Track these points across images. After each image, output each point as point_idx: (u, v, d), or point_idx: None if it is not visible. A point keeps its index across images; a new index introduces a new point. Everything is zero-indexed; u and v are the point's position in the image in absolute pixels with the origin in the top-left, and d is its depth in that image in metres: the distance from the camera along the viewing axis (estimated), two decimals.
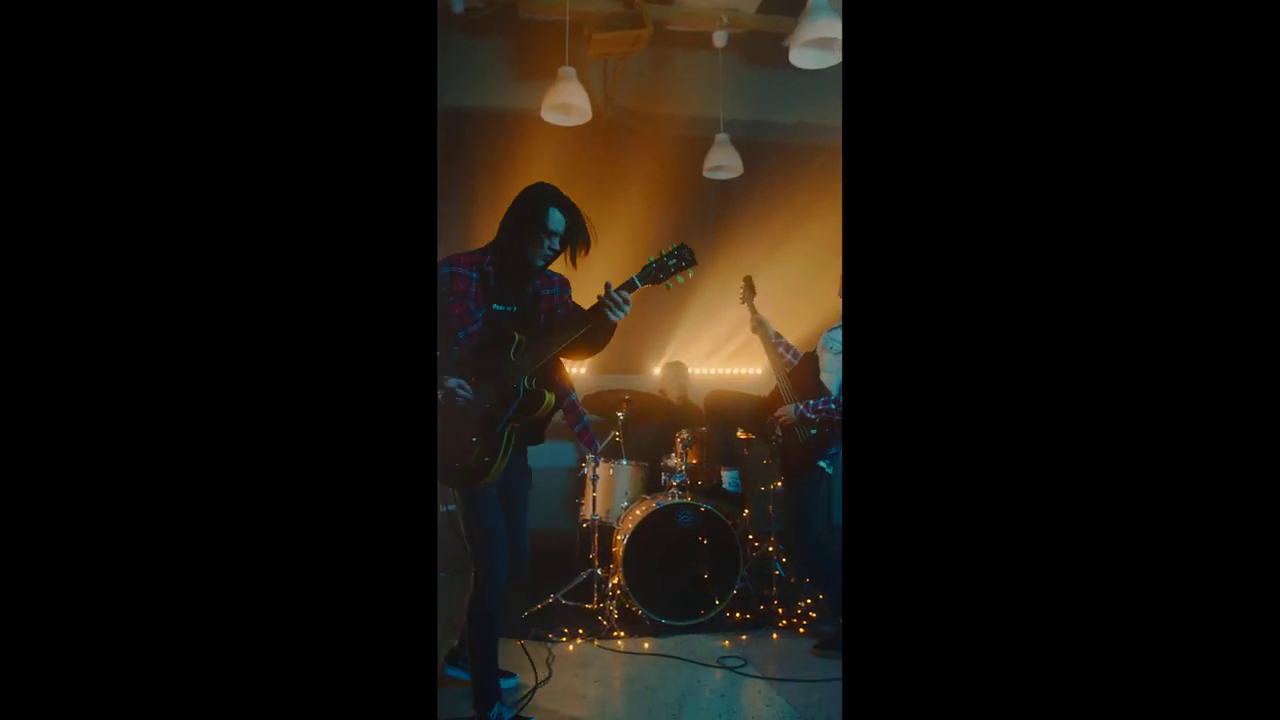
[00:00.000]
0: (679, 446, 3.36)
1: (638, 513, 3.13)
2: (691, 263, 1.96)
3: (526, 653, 2.50)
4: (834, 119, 4.33)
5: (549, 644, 2.79)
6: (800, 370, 2.90)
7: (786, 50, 3.36)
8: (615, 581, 3.13)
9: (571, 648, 2.80)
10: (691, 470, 3.34)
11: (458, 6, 3.67)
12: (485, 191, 4.18)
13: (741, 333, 3.49)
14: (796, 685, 2.42)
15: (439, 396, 1.90)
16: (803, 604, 3.26)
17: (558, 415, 2.10)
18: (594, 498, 3.33)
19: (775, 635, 2.98)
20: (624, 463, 3.47)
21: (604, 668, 2.61)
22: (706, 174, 4.15)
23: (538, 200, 2.00)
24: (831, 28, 3.06)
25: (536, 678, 2.37)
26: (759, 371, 4.75)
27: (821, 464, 2.77)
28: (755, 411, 2.99)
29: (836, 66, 3.30)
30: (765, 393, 3.01)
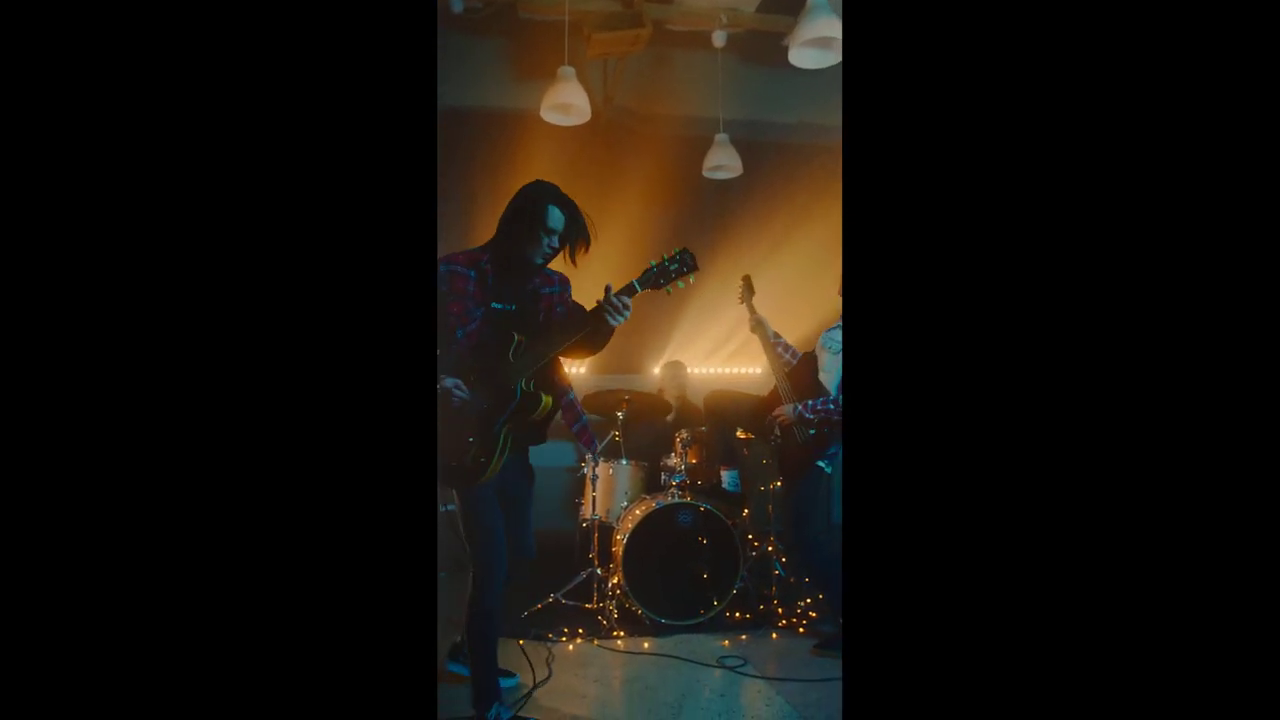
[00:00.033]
0: (678, 446, 3.36)
1: (637, 512, 3.13)
2: (693, 268, 1.93)
3: (525, 653, 2.50)
4: (833, 119, 4.34)
5: (549, 643, 2.79)
6: (799, 370, 2.90)
7: (786, 50, 3.36)
8: (615, 581, 3.13)
9: (571, 647, 2.80)
10: (691, 470, 3.34)
11: (457, 6, 3.67)
12: (484, 191, 4.18)
13: (741, 332, 3.50)
14: (796, 685, 2.42)
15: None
16: (802, 604, 3.26)
17: (557, 415, 2.10)
18: (594, 497, 3.33)
19: (775, 635, 2.98)
20: (624, 462, 3.47)
21: (604, 667, 2.61)
22: (706, 174, 4.15)
23: (537, 198, 1.99)
24: (830, 27, 3.06)
25: (534, 678, 2.37)
26: (758, 371, 4.75)
27: (820, 464, 2.77)
28: (755, 411, 2.99)
29: (836, 66, 3.30)
30: (765, 392, 3.01)
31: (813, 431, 2.75)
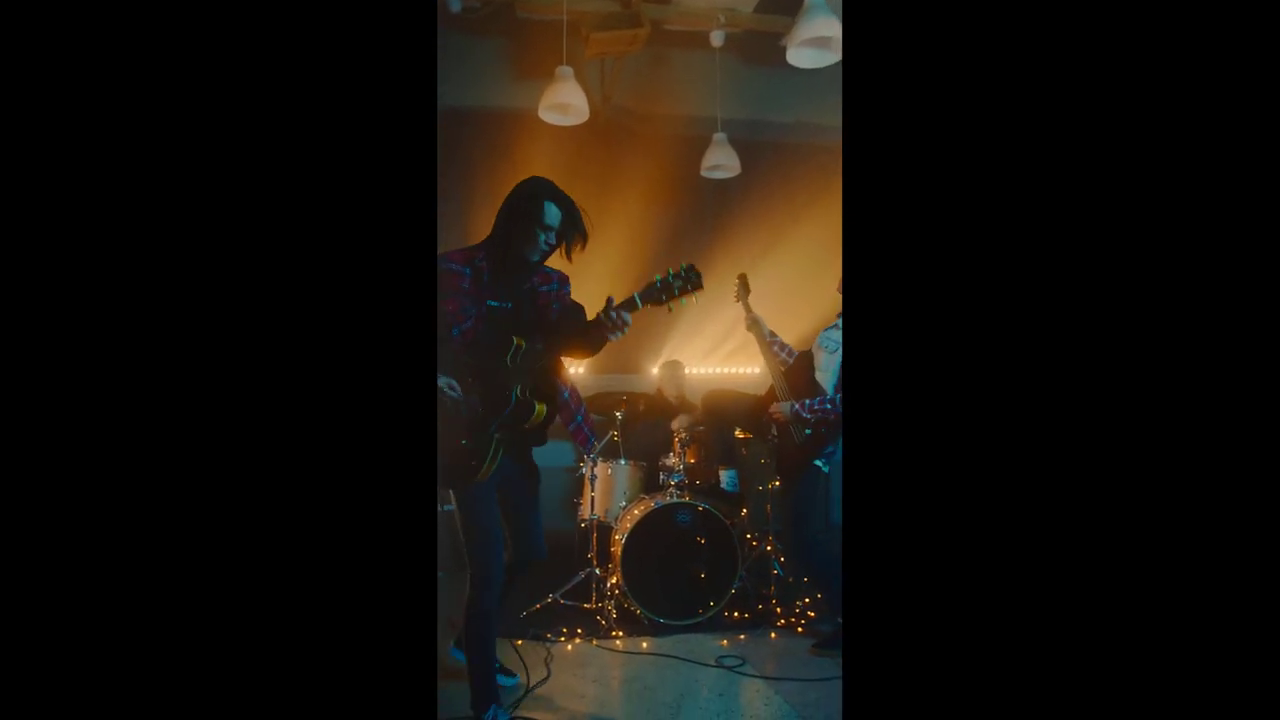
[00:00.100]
0: (677, 446, 3.36)
1: (636, 512, 3.13)
2: (698, 286, 1.89)
3: (519, 654, 2.50)
4: (831, 118, 4.35)
5: (547, 644, 2.79)
6: (795, 369, 2.90)
7: (784, 49, 3.36)
8: (613, 581, 3.13)
9: (570, 647, 2.79)
10: (689, 470, 3.34)
11: (455, 6, 3.66)
12: (483, 191, 4.16)
13: (739, 332, 3.50)
14: (794, 684, 2.42)
15: None
16: (801, 603, 3.26)
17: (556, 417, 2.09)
18: (592, 497, 3.33)
19: (773, 634, 2.98)
20: (622, 462, 3.47)
21: (602, 667, 2.61)
22: (704, 173, 4.15)
23: (533, 194, 1.97)
24: (828, 27, 3.06)
25: (528, 679, 2.37)
26: (757, 370, 4.75)
27: (817, 463, 2.77)
28: (753, 410, 2.99)
29: (834, 65, 3.30)
30: (763, 392, 3.01)
31: (809, 431, 2.75)
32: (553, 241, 1.99)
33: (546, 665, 2.55)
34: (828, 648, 2.72)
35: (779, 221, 4.64)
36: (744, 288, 3.08)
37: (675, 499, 3.13)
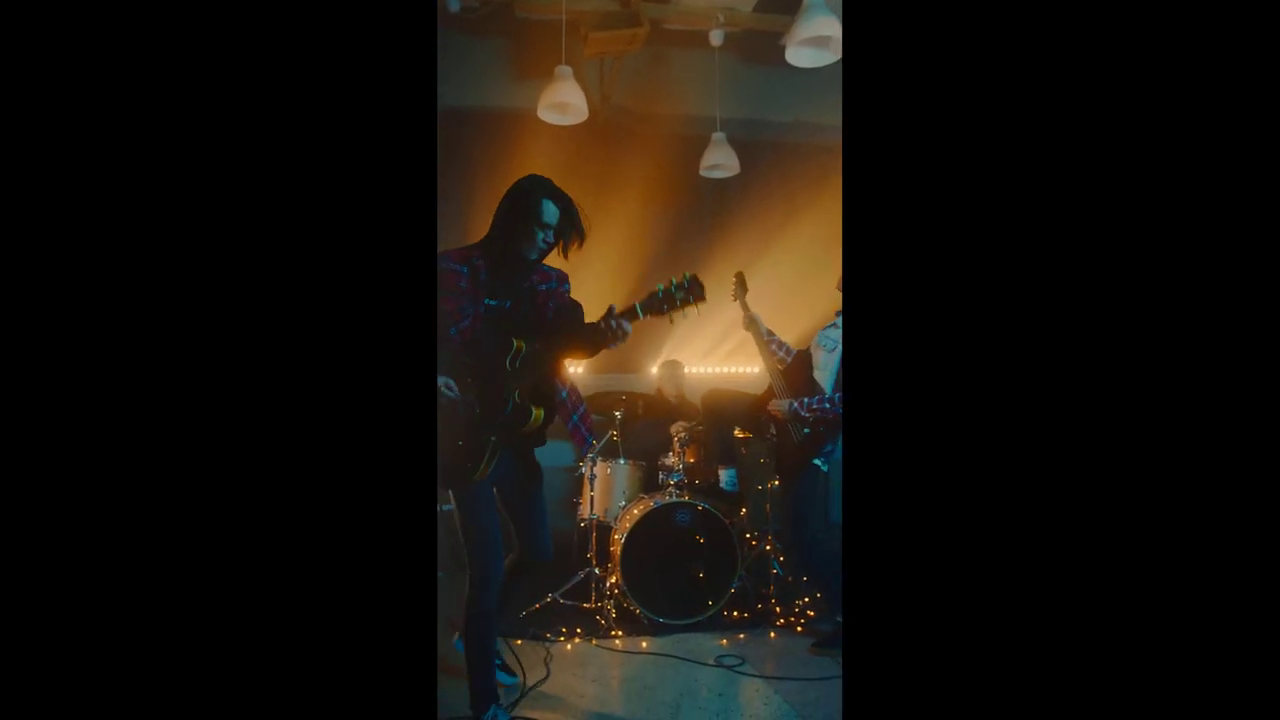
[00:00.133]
0: (676, 445, 3.36)
1: (635, 512, 3.13)
2: (700, 297, 1.89)
3: (515, 655, 2.50)
4: (830, 117, 4.35)
5: (546, 643, 2.79)
6: (793, 368, 2.90)
7: (783, 49, 3.36)
8: (613, 580, 3.13)
9: (569, 647, 2.79)
10: (689, 469, 3.34)
11: (454, 6, 3.66)
12: (482, 191, 4.16)
13: (738, 331, 3.51)
14: (794, 684, 2.43)
15: None
16: (800, 603, 3.26)
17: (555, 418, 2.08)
18: (591, 497, 3.33)
19: (773, 634, 2.98)
20: (621, 462, 3.47)
21: (602, 667, 2.61)
22: (703, 173, 4.15)
23: (531, 192, 1.96)
24: (827, 26, 3.06)
25: (525, 679, 2.37)
26: (756, 370, 4.74)
27: (816, 462, 2.77)
28: (752, 410, 2.99)
29: (833, 65, 3.30)
30: (762, 391, 3.01)
31: (807, 430, 2.75)
32: (551, 239, 1.98)
33: (546, 665, 2.55)
34: (827, 647, 2.72)
35: (777, 221, 4.64)
36: (741, 286, 3.08)
37: (674, 498, 3.13)
